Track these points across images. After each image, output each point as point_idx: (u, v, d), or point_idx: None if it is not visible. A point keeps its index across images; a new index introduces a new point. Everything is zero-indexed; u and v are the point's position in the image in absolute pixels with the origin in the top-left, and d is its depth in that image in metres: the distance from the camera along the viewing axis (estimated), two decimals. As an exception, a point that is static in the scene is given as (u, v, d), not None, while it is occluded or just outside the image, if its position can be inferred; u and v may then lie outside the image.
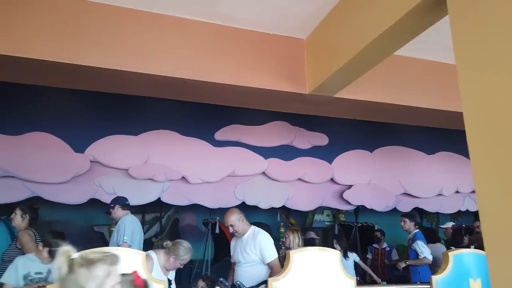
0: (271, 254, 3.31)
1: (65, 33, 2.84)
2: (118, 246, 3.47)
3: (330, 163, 5.89)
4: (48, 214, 5.84)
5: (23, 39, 2.77)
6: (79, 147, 4.76)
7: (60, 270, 1.26)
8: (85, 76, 3.17)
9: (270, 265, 3.29)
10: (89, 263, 1.25)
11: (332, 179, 5.88)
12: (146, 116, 5.16)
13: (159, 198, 5.13)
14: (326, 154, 5.90)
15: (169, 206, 6.22)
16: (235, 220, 3.40)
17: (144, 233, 6.62)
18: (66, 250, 1.30)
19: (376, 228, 6.45)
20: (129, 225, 3.58)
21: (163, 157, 5.11)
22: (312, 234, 6.20)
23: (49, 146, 4.63)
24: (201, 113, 5.38)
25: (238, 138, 5.55)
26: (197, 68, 3.10)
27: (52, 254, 3.05)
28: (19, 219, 3.77)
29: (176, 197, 5.25)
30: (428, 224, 7.85)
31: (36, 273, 3.13)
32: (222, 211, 5.67)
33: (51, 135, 4.68)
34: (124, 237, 3.47)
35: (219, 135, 5.48)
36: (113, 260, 1.31)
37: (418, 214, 6.80)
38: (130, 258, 2.67)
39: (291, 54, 3.84)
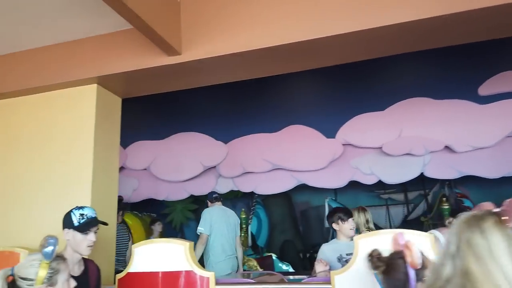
0: None
1: (301, 12, 2.66)
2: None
3: None
4: (313, 199, 6.32)
5: (266, 30, 2.67)
6: (329, 132, 4.85)
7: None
8: (320, 51, 2.91)
9: None
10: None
11: None
12: (389, 87, 4.74)
13: (421, 173, 4.60)
14: None
15: (433, 182, 5.53)
16: None
17: (410, 212, 6.24)
18: None
19: None
20: (205, 217, 3.81)
21: (418, 128, 4.58)
22: None
23: (304, 136, 4.94)
24: (452, 68, 4.49)
25: (514, 87, 4.31)
26: None
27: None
28: None
29: (442, 170, 4.61)
30: None
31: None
32: (507, 181, 4.55)
33: (304, 126, 4.97)
34: (199, 228, 3.78)
35: (485, 89, 4.47)
36: None
37: None
38: (418, 237, 2.14)
39: None
